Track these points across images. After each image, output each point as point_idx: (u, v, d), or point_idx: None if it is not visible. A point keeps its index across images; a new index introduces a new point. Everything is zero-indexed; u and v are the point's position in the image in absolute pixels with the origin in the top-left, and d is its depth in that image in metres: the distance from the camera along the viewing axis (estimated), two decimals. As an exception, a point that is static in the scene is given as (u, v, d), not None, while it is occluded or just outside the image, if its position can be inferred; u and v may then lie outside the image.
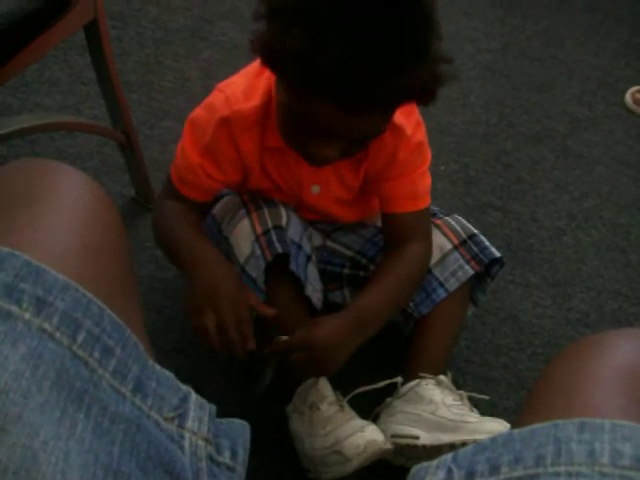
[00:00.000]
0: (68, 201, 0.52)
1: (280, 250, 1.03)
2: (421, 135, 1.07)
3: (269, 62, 0.88)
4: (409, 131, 1.03)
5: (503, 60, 2.04)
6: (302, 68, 0.81)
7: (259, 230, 1.05)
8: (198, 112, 1.05)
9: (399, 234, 1.12)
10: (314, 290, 1.10)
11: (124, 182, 1.44)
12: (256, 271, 1.05)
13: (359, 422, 1.04)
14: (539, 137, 1.83)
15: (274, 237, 1.04)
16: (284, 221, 1.07)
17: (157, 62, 1.74)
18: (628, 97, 1.98)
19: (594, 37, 2.20)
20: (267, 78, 1.01)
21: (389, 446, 1.02)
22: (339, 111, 0.84)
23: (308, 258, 1.11)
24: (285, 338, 1.01)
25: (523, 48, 2.10)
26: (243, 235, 1.06)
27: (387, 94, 0.84)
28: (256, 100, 1.00)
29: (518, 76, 1.99)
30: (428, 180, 1.12)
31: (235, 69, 1.76)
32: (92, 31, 1.13)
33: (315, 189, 1.11)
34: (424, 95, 0.88)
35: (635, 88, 2.00)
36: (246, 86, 1.02)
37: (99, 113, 1.51)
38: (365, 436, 1.01)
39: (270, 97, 1.00)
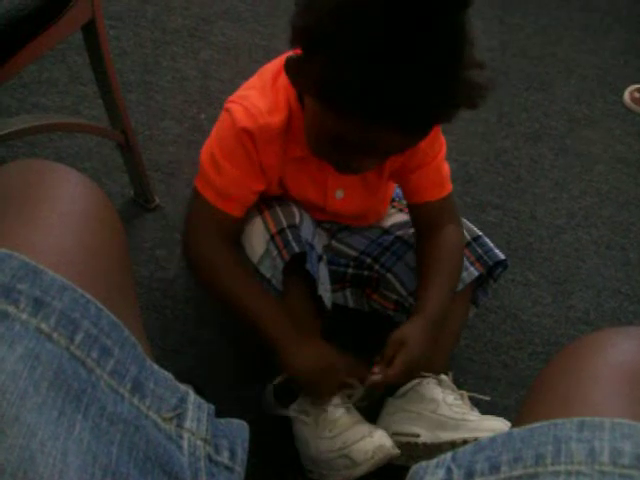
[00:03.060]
0: (66, 202, 0.52)
1: (297, 250, 1.03)
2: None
3: (321, 96, 0.87)
4: None
5: (502, 59, 2.04)
6: (365, 102, 0.81)
7: (274, 229, 1.05)
8: (220, 129, 1.04)
9: (432, 221, 1.14)
10: (325, 290, 1.09)
11: (123, 182, 1.44)
12: (271, 271, 1.04)
13: (367, 426, 1.04)
14: (538, 135, 1.83)
15: (290, 236, 1.04)
16: (297, 219, 1.06)
17: (155, 62, 1.74)
18: (626, 96, 1.98)
19: (593, 36, 2.20)
20: (284, 91, 1.00)
21: (397, 451, 1.02)
22: (397, 133, 0.85)
23: (319, 257, 1.10)
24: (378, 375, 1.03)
25: (522, 47, 2.10)
26: (256, 234, 1.06)
27: (447, 114, 0.87)
28: (281, 115, 0.99)
29: (517, 75, 1.99)
30: (447, 165, 1.14)
31: (234, 69, 1.76)
32: (90, 31, 1.13)
33: (339, 194, 1.11)
34: (471, 107, 0.88)
35: (633, 87, 2.00)
36: (267, 101, 1.00)
37: (98, 113, 1.51)
38: (374, 441, 1.01)
39: (290, 109, 1.00)
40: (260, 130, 0.99)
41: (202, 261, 1.07)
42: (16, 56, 0.99)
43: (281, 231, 1.04)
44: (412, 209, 1.17)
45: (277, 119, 0.99)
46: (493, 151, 1.75)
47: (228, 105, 1.02)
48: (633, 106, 1.96)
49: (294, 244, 1.03)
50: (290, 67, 0.90)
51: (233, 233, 1.08)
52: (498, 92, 1.92)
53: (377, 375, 1.02)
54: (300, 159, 1.04)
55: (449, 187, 1.15)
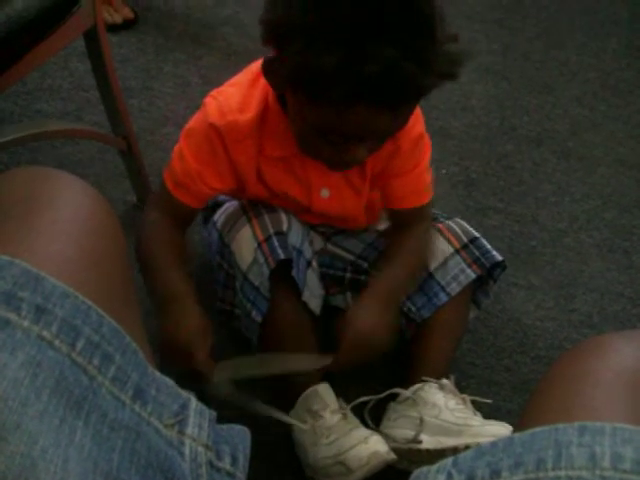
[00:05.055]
0: (67, 209, 0.53)
1: (282, 256, 1.03)
2: (421, 127, 1.07)
3: (302, 85, 0.87)
4: (410, 123, 1.01)
5: (503, 62, 2.04)
6: (346, 81, 0.80)
7: (261, 237, 1.05)
8: (193, 120, 1.05)
9: (405, 223, 1.15)
10: (312, 296, 1.09)
11: (126, 188, 1.44)
12: (259, 279, 1.04)
13: (362, 432, 1.04)
14: (540, 139, 1.83)
15: (276, 243, 1.04)
16: (285, 226, 1.07)
17: (157, 68, 1.74)
18: None
19: (594, 38, 2.20)
20: (262, 88, 1.00)
21: (393, 457, 1.02)
22: (382, 111, 0.85)
23: (308, 263, 1.10)
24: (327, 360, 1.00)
25: (523, 50, 2.10)
26: (245, 242, 1.06)
27: (428, 81, 0.85)
28: (252, 112, 1.00)
29: (519, 78, 1.99)
30: (430, 175, 1.14)
31: (235, 75, 1.76)
32: (92, 38, 1.14)
33: (325, 193, 1.10)
34: (450, 76, 0.88)
35: None
36: (240, 97, 1.01)
37: (100, 120, 1.51)
38: (369, 448, 1.00)
39: (266, 106, 1.00)
40: (227, 127, 0.99)
41: (141, 227, 1.09)
42: (19, 63, 1.00)
43: (268, 238, 1.05)
44: (389, 213, 1.18)
45: (247, 117, 0.99)
46: (495, 155, 1.75)
47: (206, 99, 1.03)
48: None
49: (280, 251, 1.03)
50: (265, 67, 0.91)
51: (184, 217, 1.09)
52: (500, 96, 1.93)
53: (326, 359, 1.00)
54: (281, 158, 1.04)
55: (427, 196, 1.14)
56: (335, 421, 1.04)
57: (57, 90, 1.62)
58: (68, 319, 0.40)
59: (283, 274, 1.04)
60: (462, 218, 1.24)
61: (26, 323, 0.39)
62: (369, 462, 0.99)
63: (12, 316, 0.38)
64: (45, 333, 0.39)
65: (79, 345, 0.40)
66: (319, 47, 0.79)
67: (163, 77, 1.72)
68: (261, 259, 1.04)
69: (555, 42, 2.16)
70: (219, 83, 1.71)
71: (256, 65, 1.03)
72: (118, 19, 1.79)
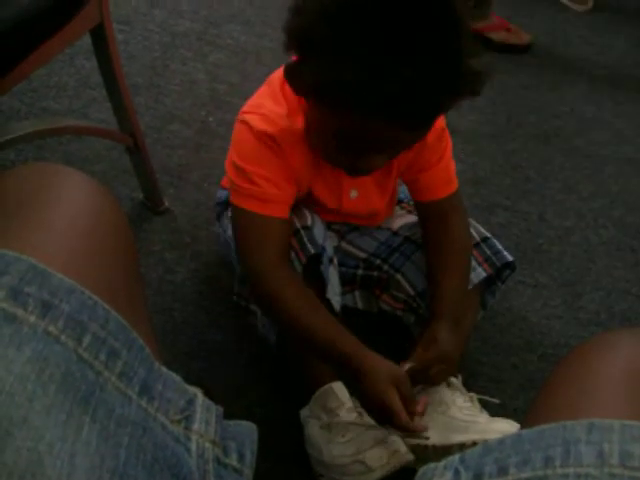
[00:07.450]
0: (74, 204, 0.53)
1: (313, 251, 1.03)
2: (442, 120, 1.07)
3: (320, 97, 0.88)
4: None
5: (510, 58, 2.03)
6: (365, 97, 0.81)
7: None
8: (239, 140, 1.03)
9: (439, 217, 1.15)
10: (334, 293, 1.09)
11: (133, 186, 1.44)
12: None
13: (380, 432, 1.03)
14: (547, 137, 1.82)
15: (305, 238, 1.04)
16: (309, 221, 1.07)
17: (164, 65, 1.74)
18: None
19: (601, 35, 2.19)
20: (295, 96, 0.99)
21: (411, 457, 1.02)
22: (401, 127, 0.85)
23: (330, 260, 1.10)
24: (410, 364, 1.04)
25: (530, 47, 2.10)
26: None
27: (447, 104, 0.87)
28: (301, 117, 0.99)
29: (526, 75, 1.99)
30: (453, 162, 1.15)
31: (242, 72, 1.76)
32: (98, 35, 1.14)
33: (353, 193, 1.11)
34: (472, 94, 0.88)
35: None
36: (283, 106, 1.01)
37: (106, 117, 1.52)
38: (389, 447, 1.00)
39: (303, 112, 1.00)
40: (282, 133, 0.99)
41: (268, 298, 1.03)
42: (25, 60, 1.00)
43: (296, 232, 1.04)
44: (419, 206, 1.18)
45: (299, 122, 0.99)
46: (502, 152, 1.75)
47: (243, 116, 1.02)
48: None
49: (309, 246, 1.03)
50: (288, 73, 0.91)
51: (285, 242, 1.04)
52: (506, 94, 1.92)
53: (409, 364, 1.03)
54: (314, 164, 1.04)
55: (456, 183, 1.15)
56: (351, 420, 1.04)
57: (63, 88, 1.63)
58: (74, 314, 0.40)
59: (305, 271, 1.04)
60: (469, 216, 1.24)
61: (32, 318, 0.39)
62: (390, 461, 0.99)
63: (19, 311, 0.38)
64: (51, 328, 0.39)
65: (85, 341, 0.40)
66: (342, 60, 0.79)
67: (169, 74, 1.72)
68: (291, 254, 1.03)
69: (561, 39, 2.16)
70: (226, 80, 1.70)
71: (277, 76, 1.03)
72: None
